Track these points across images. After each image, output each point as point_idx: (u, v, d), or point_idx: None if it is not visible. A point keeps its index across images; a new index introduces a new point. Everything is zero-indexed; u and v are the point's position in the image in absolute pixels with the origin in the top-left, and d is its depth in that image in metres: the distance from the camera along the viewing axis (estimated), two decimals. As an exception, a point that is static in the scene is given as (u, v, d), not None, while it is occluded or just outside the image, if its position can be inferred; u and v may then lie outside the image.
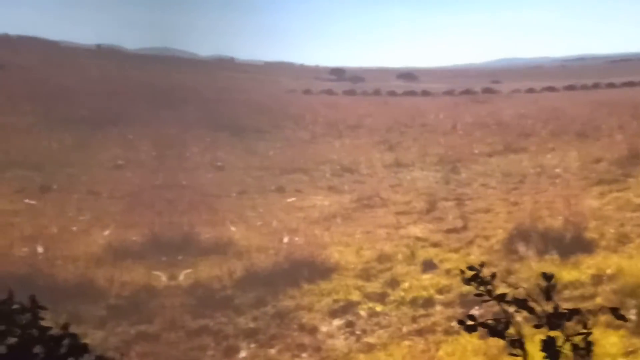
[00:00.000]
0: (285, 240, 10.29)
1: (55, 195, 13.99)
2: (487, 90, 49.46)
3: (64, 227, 11.10)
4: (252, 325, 7.88)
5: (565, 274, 8.42)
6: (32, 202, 13.18)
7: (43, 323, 1.93)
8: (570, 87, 50.07)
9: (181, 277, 9.16)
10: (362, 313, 8.14)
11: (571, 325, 2.18)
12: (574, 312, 2.19)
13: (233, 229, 11.53)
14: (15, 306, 1.90)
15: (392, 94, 49.67)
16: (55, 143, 19.63)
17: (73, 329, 1.98)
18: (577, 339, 2.16)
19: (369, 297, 8.61)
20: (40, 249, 9.43)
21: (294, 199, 14.47)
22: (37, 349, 1.87)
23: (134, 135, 21.59)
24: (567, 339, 2.15)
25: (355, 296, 8.61)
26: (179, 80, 44.44)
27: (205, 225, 11.37)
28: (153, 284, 8.89)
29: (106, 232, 10.97)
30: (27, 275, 8.35)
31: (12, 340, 1.85)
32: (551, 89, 49.99)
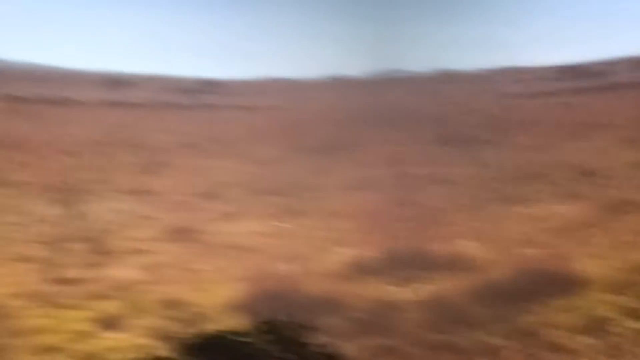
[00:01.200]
0: (524, 252, 9.94)
1: (301, 217, 15.43)
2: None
3: (311, 247, 12.22)
4: (492, 341, 7.76)
5: None
6: (282, 224, 14.75)
7: (304, 339, 2.20)
8: None
9: (418, 291, 9.43)
10: (618, 330, 7.47)
11: None
12: None
13: (467, 243, 11.46)
14: (291, 326, 2.22)
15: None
16: (298, 170, 21.67)
17: (325, 342, 2.20)
18: None
19: (623, 312, 7.87)
20: (293, 267, 10.56)
21: (530, 208, 13.83)
22: None
23: (365, 157, 22.72)
24: None
25: (607, 312, 7.94)
26: (402, 99, 45.49)
27: (439, 240, 11.52)
28: (391, 298, 9.30)
29: (347, 250, 11.78)
30: (284, 291, 9.42)
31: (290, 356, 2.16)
32: None
